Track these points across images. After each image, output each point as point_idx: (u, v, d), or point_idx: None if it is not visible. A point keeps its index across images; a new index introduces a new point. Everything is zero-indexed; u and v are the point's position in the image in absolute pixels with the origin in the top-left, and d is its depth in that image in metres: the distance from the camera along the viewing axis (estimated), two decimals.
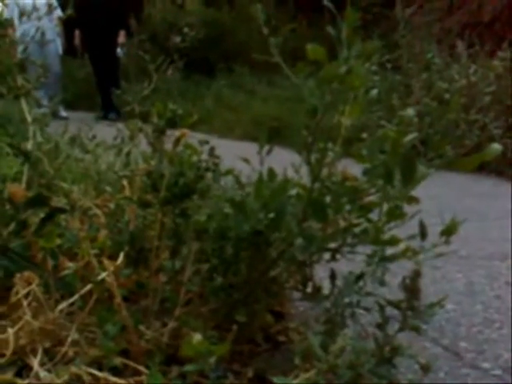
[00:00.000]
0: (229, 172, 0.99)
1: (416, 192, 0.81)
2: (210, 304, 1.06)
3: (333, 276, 0.95)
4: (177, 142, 0.88)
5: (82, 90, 7.48)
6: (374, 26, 4.88)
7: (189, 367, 0.63)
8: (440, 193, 2.44)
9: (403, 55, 3.63)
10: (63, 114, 6.21)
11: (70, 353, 0.83)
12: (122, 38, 6.86)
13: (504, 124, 2.88)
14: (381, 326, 0.71)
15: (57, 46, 6.68)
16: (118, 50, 6.79)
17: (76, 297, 0.91)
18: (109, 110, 6.47)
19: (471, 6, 5.50)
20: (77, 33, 6.85)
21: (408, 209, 0.83)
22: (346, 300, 0.91)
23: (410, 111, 0.95)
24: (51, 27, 6.24)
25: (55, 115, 5.32)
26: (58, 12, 6.31)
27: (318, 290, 1.01)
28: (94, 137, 1.52)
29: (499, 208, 2.36)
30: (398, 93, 2.73)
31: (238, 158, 1.00)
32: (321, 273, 1.04)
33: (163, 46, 6.23)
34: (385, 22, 4.96)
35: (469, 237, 1.80)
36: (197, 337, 0.61)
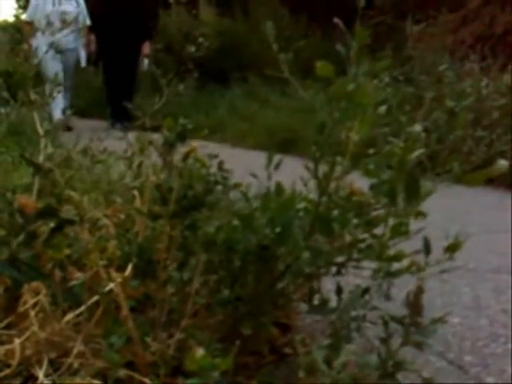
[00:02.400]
0: (237, 185, 1.00)
1: (424, 204, 0.81)
2: (216, 316, 1.07)
3: (339, 290, 0.96)
4: (186, 155, 0.89)
5: (95, 99, 7.42)
6: (386, 39, 4.89)
7: (192, 381, 0.63)
8: (448, 205, 2.43)
9: (415, 67, 3.63)
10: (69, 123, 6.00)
11: (76, 364, 0.84)
12: (146, 49, 6.32)
13: None
14: (384, 341, 0.71)
15: (78, 57, 6.24)
16: (145, 61, 6.28)
17: (83, 308, 0.92)
18: (116, 120, 6.05)
19: (484, 19, 5.48)
20: (92, 38, 6.26)
21: (415, 222, 0.83)
22: (352, 314, 0.91)
23: (417, 127, 0.95)
24: (73, 37, 5.97)
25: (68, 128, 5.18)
26: (86, 21, 6.07)
27: (324, 302, 1.01)
28: (104, 149, 1.54)
29: (507, 221, 2.34)
30: (410, 105, 2.73)
31: (249, 169, 1.01)
32: (328, 285, 1.05)
33: (178, 55, 6.28)
34: (397, 34, 4.97)
35: (476, 250, 1.79)
36: (200, 351, 0.62)
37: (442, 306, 1.32)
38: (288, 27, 6.57)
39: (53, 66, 5.56)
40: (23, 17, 5.88)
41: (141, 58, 6.35)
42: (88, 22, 6.15)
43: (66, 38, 5.53)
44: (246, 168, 1.03)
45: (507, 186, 3.02)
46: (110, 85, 6.40)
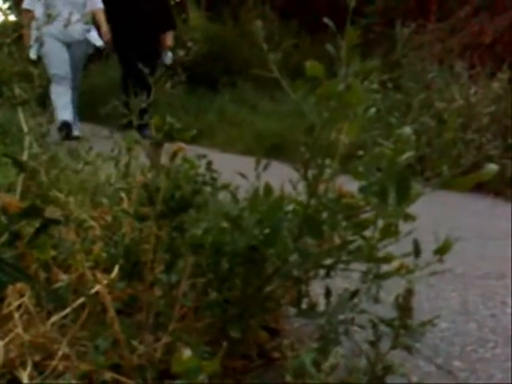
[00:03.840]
0: (225, 186, 0.99)
1: (414, 209, 0.81)
2: (204, 319, 1.05)
3: (328, 293, 0.95)
4: (173, 155, 0.88)
5: (84, 100, 7.18)
6: (376, 45, 4.92)
7: (178, 382, 0.62)
8: (438, 211, 2.44)
9: (404, 74, 3.65)
10: (76, 132, 4.90)
11: (60, 367, 0.82)
12: (169, 40, 5.51)
13: (503, 144, 2.89)
14: (373, 344, 0.71)
15: (85, 48, 5.23)
16: (169, 54, 5.46)
17: (68, 310, 0.91)
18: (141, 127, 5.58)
19: (473, 28, 5.54)
20: (106, 28, 5.29)
21: (405, 226, 0.83)
22: (341, 317, 0.90)
23: (407, 130, 0.95)
24: (81, 27, 5.02)
25: (68, 137, 4.36)
26: (96, 7, 5.16)
27: (313, 306, 1.00)
28: (90, 148, 1.52)
29: (496, 227, 2.36)
30: (399, 112, 2.74)
31: (238, 173, 1.01)
32: (317, 289, 1.04)
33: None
34: (387, 41, 5.00)
35: (465, 255, 1.79)
36: (187, 353, 0.60)
37: (430, 310, 1.32)
38: (278, 32, 6.59)
39: (58, 62, 4.94)
40: (23, 6, 4.93)
41: (164, 52, 5.51)
42: (100, 5, 5.21)
43: (73, 28, 4.76)
44: (235, 173, 1.02)
45: (496, 193, 3.04)
46: (127, 82, 5.42)
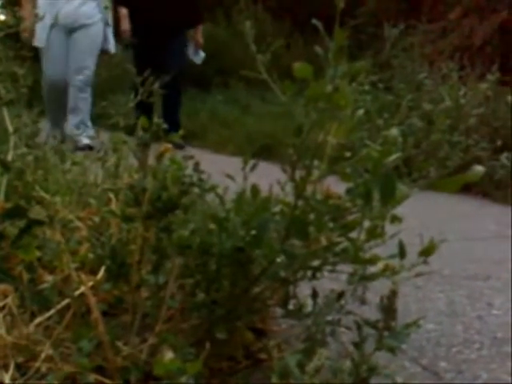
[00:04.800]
0: (213, 188, 0.98)
1: (401, 211, 0.81)
2: (191, 320, 1.05)
3: (314, 294, 0.95)
4: (160, 155, 0.88)
5: None
6: (367, 47, 4.93)
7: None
8: (425, 213, 2.45)
9: (395, 75, 3.67)
10: (85, 141, 3.68)
11: (44, 368, 0.81)
12: (199, 36, 4.68)
13: (491, 146, 2.91)
14: (358, 345, 0.70)
15: (98, 38, 4.10)
16: (201, 53, 4.76)
17: (52, 311, 0.90)
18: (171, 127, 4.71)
19: (464, 30, 5.57)
20: (123, 13, 4.43)
21: (392, 228, 0.83)
22: (327, 318, 0.90)
23: (394, 131, 0.95)
24: (91, 8, 4.03)
25: (79, 146, 3.42)
26: None
27: (300, 307, 1.00)
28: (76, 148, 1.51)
29: (484, 229, 2.37)
30: (389, 113, 2.75)
31: (226, 175, 1.00)
32: (306, 290, 1.04)
33: None
34: (378, 42, 5.02)
35: (452, 257, 1.80)
36: (168, 355, 0.60)
37: (417, 312, 1.32)
38: (270, 33, 6.59)
39: (54, 60, 4.04)
40: None
41: (193, 50, 4.74)
42: None
43: (81, 10, 4.02)
44: (225, 174, 1.02)
45: (485, 195, 3.06)
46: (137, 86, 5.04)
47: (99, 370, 0.87)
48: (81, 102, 4.04)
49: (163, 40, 4.48)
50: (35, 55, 3.76)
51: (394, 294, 0.66)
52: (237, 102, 6.41)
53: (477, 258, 1.85)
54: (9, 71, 1.12)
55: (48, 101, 4.13)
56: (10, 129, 0.93)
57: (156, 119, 0.85)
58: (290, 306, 1.01)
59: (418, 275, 0.75)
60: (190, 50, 4.78)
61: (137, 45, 4.63)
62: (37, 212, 0.91)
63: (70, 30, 4.06)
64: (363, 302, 0.91)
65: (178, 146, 4.10)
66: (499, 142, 2.90)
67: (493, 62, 3.86)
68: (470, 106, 2.96)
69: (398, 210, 0.81)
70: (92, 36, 4.07)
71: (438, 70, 3.77)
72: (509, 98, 3.19)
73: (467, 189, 3.06)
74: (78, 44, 4.04)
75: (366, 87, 3.15)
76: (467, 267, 1.73)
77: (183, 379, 0.60)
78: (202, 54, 4.77)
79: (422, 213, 2.30)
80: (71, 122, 4.08)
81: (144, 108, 4.82)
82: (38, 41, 4.05)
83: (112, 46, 4.28)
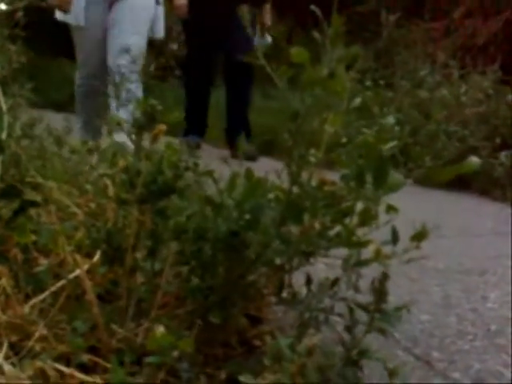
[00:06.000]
0: (209, 173, 0.99)
1: (400, 206, 0.80)
2: (186, 306, 1.05)
3: (308, 281, 0.95)
4: (155, 137, 0.88)
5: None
6: (370, 44, 4.93)
7: (150, 359, 0.62)
8: (425, 209, 2.46)
9: (396, 72, 3.67)
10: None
11: (37, 348, 0.81)
12: (267, 18, 3.97)
13: (491, 144, 2.92)
14: (349, 329, 0.71)
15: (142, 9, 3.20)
16: (267, 38, 4.05)
17: (47, 293, 0.90)
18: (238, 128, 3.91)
19: (467, 29, 5.57)
20: None
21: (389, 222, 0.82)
22: (321, 305, 0.91)
23: (391, 119, 0.95)
24: None
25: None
26: None
27: (294, 295, 1.01)
28: (68, 130, 1.51)
29: (481, 225, 2.38)
30: (390, 110, 2.76)
31: (224, 159, 1.00)
32: (302, 280, 1.04)
33: (160, 51, 6.18)
34: (381, 39, 5.01)
35: (449, 252, 1.80)
36: (160, 330, 0.60)
37: (412, 304, 1.33)
38: (272, 28, 6.57)
39: (90, 51, 3.21)
40: None
41: (258, 34, 3.97)
42: None
43: None
44: (225, 168, 1.01)
45: (484, 192, 3.07)
46: (191, 77, 4.06)
47: (93, 351, 0.87)
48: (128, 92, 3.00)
49: (225, 19, 3.60)
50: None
51: (385, 277, 0.66)
52: None
53: (473, 253, 1.86)
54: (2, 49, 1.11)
55: (81, 94, 3.35)
56: (4, 107, 0.92)
57: (151, 101, 0.84)
58: (286, 294, 1.02)
59: (410, 260, 0.75)
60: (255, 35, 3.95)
61: (190, 24, 3.84)
62: (31, 194, 0.92)
63: (110, 4, 3.21)
64: (357, 289, 0.91)
65: (250, 158, 3.61)
66: (498, 140, 2.90)
67: (495, 62, 3.86)
68: (471, 103, 2.96)
69: (396, 204, 0.81)
70: (137, 9, 3.18)
71: (440, 68, 3.77)
72: (509, 96, 3.19)
73: (466, 186, 3.06)
74: (121, 18, 3.16)
75: (368, 83, 3.15)
76: (464, 262, 1.73)
77: (174, 354, 0.61)
78: (269, 39, 4.02)
79: (420, 208, 2.30)
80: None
81: (197, 105, 4.17)
82: (76, 17, 3.13)
83: (160, 31, 3.36)
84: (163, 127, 0.85)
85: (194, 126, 4.18)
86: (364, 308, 0.71)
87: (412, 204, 0.86)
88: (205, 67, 4.00)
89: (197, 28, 3.81)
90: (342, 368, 0.67)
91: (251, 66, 3.37)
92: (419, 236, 0.74)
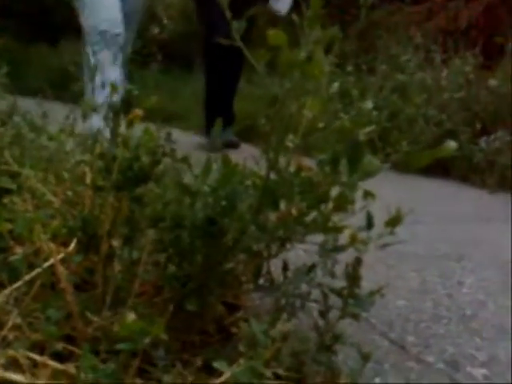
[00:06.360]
0: (184, 159, 0.98)
1: (378, 192, 0.80)
2: (163, 294, 1.05)
3: (285, 267, 0.95)
4: (130, 122, 0.87)
5: (53, 79, 6.60)
6: (351, 28, 4.91)
7: (121, 345, 0.61)
8: (404, 195, 2.47)
9: (378, 57, 3.66)
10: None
11: (11, 336, 0.81)
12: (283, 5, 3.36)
13: (471, 130, 2.93)
14: (323, 314, 0.71)
15: None
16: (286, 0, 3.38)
17: (21, 282, 0.89)
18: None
19: (449, 13, 5.57)
20: None
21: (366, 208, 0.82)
22: (297, 291, 0.91)
23: (369, 104, 0.95)
24: None
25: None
26: None
27: (272, 281, 1.01)
28: (44, 115, 1.48)
29: (460, 212, 2.40)
30: (372, 94, 2.75)
31: (201, 144, 0.99)
32: (280, 268, 1.04)
33: (141, 36, 6.07)
34: (360, 21, 4.99)
35: (427, 238, 1.82)
36: (131, 316, 0.60)
37: (389, 289, 1.34)
38: (260, 16, 6.52)
39: (107, 6, 2.82)
40: None
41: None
42: None
43: None
44: (204, 153, 1.00)
45: (463, 178, 3.09)
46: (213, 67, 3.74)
47: (69, 340, 0.86)
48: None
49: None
50: None
51: (358, 262, 0.67)
52: None
53: (452, 239, 1.87)
54: None
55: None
56: None
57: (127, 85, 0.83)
58: (263, 281, 1.02)
59: (385, 246, 0.76)
60: None
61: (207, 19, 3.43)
62: (6, 182, 0.90)
63: None
64: (333, 275, 0.91)
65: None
66: (478, 126, 2.91)
67: (476, 45, 3.87)
68: (451, 88, 2.96)
69: (374, 190, 0.81)
70: None
71: (422, 53, 3.77)
72: (490, 81, 3.20)
73: (446, 172, 3.08)
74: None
75: (349, 68, 3.14)
76: (441, 248, 1.75)
77: (146, 340, 0.60)
78: (288, 1, 3.27)
79: (398, 194, 2.31)
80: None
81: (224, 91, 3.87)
82: None
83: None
84: (139, 112, 0.83)
85: (224, 117, 3.77)
86: (338, 293, 0.71)
87: (390, 190, 0.86)
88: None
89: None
90: (315, 353, 0.67)
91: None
92: (394, 221, 0.74)
